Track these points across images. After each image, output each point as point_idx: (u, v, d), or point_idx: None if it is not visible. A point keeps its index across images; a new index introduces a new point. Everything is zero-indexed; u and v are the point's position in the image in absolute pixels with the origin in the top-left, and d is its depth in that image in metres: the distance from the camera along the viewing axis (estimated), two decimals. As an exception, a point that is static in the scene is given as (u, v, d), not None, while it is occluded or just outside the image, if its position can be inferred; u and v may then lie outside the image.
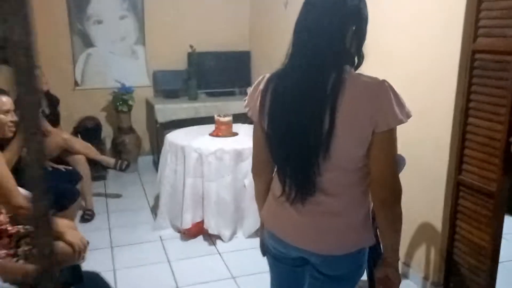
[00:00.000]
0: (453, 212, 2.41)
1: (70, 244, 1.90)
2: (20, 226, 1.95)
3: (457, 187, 2.38)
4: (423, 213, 2.55)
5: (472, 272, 2.35)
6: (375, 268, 1.41)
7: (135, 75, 4.72)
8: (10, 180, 1.89)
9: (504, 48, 2.07)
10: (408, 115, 1.22)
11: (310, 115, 1.22)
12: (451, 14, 2.29)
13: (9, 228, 1.93)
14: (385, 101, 1.19)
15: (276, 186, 1.40)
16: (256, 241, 2.71)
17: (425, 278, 2.58)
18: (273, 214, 1.43)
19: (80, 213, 3.41)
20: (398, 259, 1.38)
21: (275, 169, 1.40)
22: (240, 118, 3.76)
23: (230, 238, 3.16)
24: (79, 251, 1.93)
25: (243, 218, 3.20)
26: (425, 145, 2.48)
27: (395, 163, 1.28)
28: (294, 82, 1.25)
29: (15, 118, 2.30)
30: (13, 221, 1.96)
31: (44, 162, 0.57)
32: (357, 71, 1.28)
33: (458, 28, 2.26)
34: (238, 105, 4.56)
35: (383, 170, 1.26)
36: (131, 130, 4.67)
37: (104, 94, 4.57)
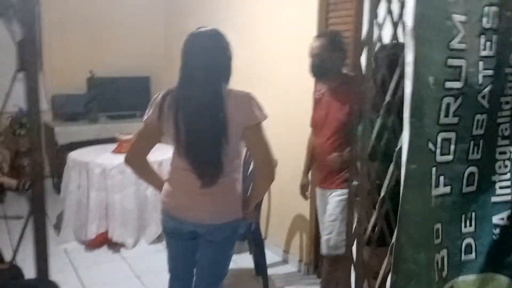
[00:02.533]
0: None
1: None
2: None
3: (319, 183, 2.98)
4: (296, 208, 3.11)
5: (335, 250, 2.94)
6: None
7: (34, 99, 4.81)
8: None
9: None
10: (265, 117, 1.76)
11: (210, 118, 1.70)
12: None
13: None
14: (249, 106, 1.72)
15: (180, 179, 1.81)
16: (158, 246, 3.08)
17: (300, 260, 3.14)
18: (171, 197, 1.85)
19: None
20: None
21: (180, 165, 1.80)
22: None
23: (134, 245, 3.45)
24: None
25: (146, 226, 3.51)
26: (294, 152, 3.05)
27: (269, 148, 1.79)
28: (192, 96, 1.72)
29: None
30: None
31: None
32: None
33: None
34: (139, 127, 4.88)
35: (263, 153, 1.77)
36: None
37: (0, 118, 4.60)
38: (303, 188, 2.70)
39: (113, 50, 5.12)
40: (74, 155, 3.61)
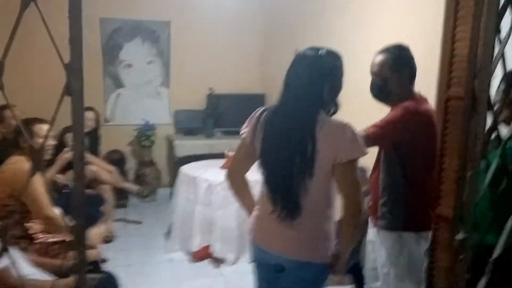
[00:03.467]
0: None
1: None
2: (50, 235, 2.33)
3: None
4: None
5: None
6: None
7: (158, 114, 5.20)
8: (44, 196, 2.29)
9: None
10: (362, 153, 1.56)
11: (295, 144, 1.58)
12: (428, 63, 2.63)
13: (41, 236, 2.30)
14: (344, 139, 1.54)
15: (265, 205, 1.72)
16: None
17: None
18: (258, 227, 1.76)
19: (101, 235, 3.77)
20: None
21: (264, 191, 1.72)
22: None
23: (234, 262, 3.45)
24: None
25: (246, 245, 3.48)
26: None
27: (359, 188, 1.60)
28: (283, 118, 1.63)
29: (52, 143, 2.70)
30: (46, 231, 2.34)
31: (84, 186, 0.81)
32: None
33: (434, 77, 2.60)
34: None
35: (349, 192, 1.59)
36: (152, 163, 5.09)
37: (130, 130, 5.04)
38: None
39: (231, 68, 5.30)
40: (185, 169, 3.75)
